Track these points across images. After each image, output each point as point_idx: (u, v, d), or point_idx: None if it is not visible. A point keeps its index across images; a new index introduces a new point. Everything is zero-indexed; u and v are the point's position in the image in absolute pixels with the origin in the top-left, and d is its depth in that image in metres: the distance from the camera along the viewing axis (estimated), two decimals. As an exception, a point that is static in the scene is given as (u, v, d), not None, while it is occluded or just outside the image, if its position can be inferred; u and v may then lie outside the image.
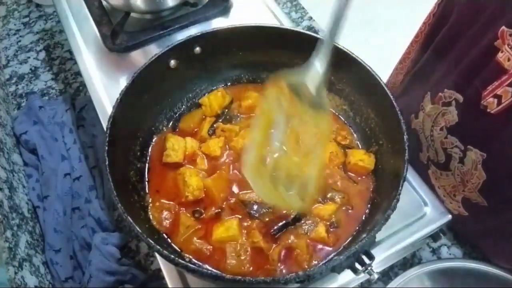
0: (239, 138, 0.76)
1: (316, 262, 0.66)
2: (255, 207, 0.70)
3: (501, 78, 0.62)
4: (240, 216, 0.69)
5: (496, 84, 0.63)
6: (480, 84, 0.66)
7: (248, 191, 0.71)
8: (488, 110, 0.64)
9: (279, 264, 0.65)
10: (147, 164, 0.76)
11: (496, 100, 0.63)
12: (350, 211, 0.71)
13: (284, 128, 0.52)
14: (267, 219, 0.69)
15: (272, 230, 0.68)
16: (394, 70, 1.09)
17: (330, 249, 0.67)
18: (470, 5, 0.72)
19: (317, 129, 0.51)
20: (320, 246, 0.67)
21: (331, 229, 0.68)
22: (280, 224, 0.68)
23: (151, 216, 0.70)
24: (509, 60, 0.61)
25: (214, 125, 0.80)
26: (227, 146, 0.77)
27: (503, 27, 0.62)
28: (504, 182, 0.70)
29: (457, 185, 0.78)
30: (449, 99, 0.74)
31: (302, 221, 0.69)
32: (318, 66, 0.50)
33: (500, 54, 0.62)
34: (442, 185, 0.82)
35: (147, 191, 0.73)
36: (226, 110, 0.83)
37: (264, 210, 0.69)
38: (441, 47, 0.82)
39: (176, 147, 0.75)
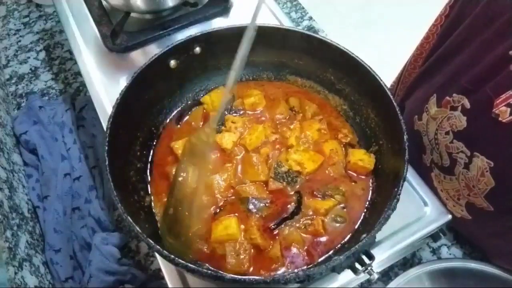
0: (246, 135, 0.77)
1: (315, 253, 0.66)
2: (253, 202, 0.70)
3: None
4: (237, 214, 0.70)
5: (510, 93, 0.62)
6: (492, 91, 0.65)
7: (245, 184, 0.72)
8: (500, 119, 0.63)
9: (285, 260, 0.66)
10: (148, 164, 0.77)
11: (509, 109, 0.62)
12: (348, 209, 0.71)
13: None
14: (265, 214, 0.69)
15: (271, 225, 0.68)
16: (405, 70, 1.07)
17: (328, 241, 0.68)
18: (486, 10, 0.71)
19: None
20: (318, 239, 0.68)
21: (330, 227, 0.69)
22: (279, 218, 0.69)
23: (156, 216, 0.71)
24: None
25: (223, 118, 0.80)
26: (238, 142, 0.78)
27: None
28: None
29: (461, 190, 0.76)
30: (457, 104, 0.73)
31: (300, 215, 0.69)
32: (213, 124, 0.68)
33: None
34: (445, 188, 0.81)
35: (148, 190, 0.73)
36: (230, 105, 0.83)
37: (262, 205, 0.70)
38: (450, 50, 0.81)
39: None
